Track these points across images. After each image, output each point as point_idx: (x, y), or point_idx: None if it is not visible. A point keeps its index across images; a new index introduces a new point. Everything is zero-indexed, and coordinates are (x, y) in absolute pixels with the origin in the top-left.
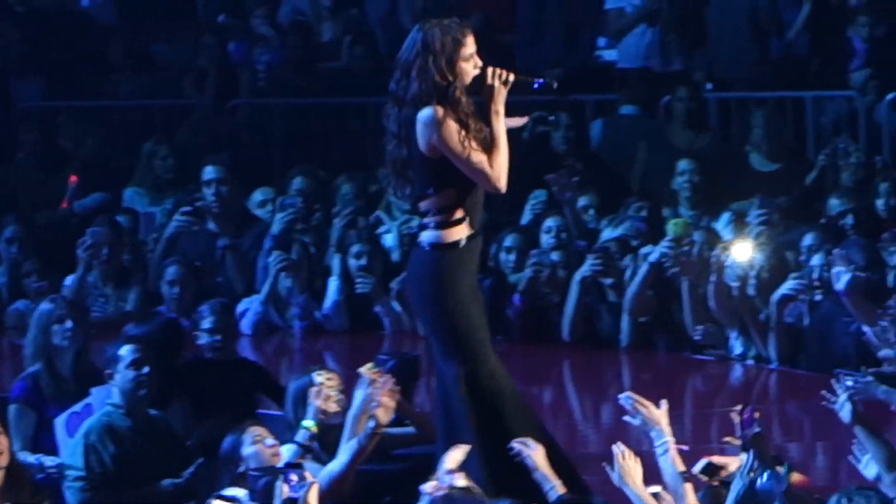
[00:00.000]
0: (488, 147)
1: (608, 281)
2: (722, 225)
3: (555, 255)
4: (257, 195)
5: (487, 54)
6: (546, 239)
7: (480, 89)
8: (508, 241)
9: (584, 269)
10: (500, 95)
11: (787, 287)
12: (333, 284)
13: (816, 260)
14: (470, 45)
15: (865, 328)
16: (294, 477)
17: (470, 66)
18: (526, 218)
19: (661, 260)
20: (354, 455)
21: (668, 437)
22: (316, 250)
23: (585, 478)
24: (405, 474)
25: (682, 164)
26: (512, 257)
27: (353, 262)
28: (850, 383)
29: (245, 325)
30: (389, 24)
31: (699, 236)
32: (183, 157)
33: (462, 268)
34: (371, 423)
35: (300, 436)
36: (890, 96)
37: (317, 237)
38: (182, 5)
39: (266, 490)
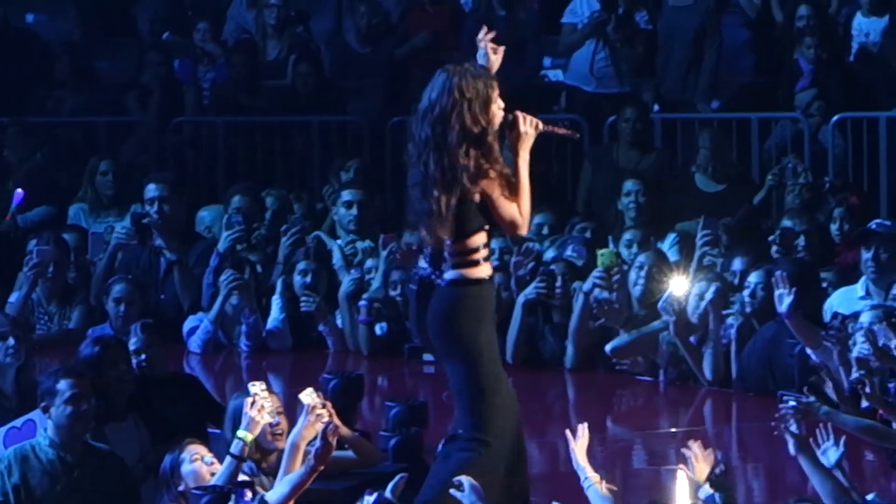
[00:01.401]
0: (513, 191)
1: (555, 302)
2: (667, 246)
3: (496, 278)
4: (204, 214)
5: (432, 72)
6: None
7: (504, 131)
8: None
9: (528, 292)
10: (529, 141)
11: (710, 297)
12: (276, 303)
13: (753, 278)
14: (496, 89)
15: (809, 351)
16: (249, 493)
17: (497, 110)
18: None
19: (592, 290)
20: (293, 489)
21: (590, 474)
22: (261, 269)
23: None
24: (350, 493)
25: (628, 185)
26: None
27: (297, 280)
28: (792, 403)
29: (194, 344)
30: (335, 42)
31: (647, 257)
32: (127, 175)
33: (487, 304)
34: (310, 462)
35: (235, 446)
36: (835, 118)
37: (261, 256)
38: (127, 23)
39: None
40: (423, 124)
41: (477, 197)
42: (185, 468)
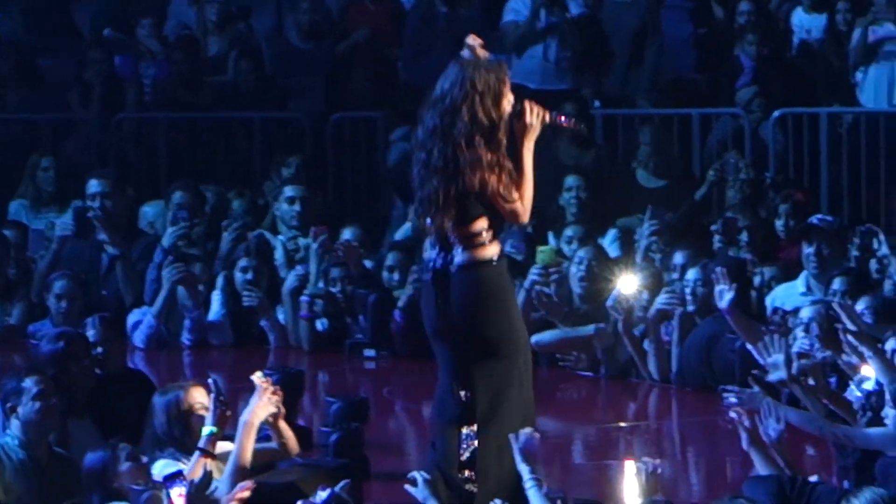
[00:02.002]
0: (516, 182)
1: None
2: (608, 241)
3: None
4: (147, 210)
5: (373, 69)
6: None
7: (511, 121)
8: (390, 259)
9: None
10: (535, 132)
11: (659, 302)
12: (217, 299)
13: (691, 274)
14: (508, 82)
15: (749, 346)
16: (179, 488)
17: (507, 104)
18: (405, 232)
19: (533, 286)
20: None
21: (533, 476)
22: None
23: None
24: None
25: (570, 180)
26: (395, 276)
27: (239, 277)
28: (733, 400)
29: (138, 339)
30: (276, 39)
31: (587, 252)
32: (69, 171)
33: (506, 280)
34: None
35: (203, 441)
36: (776, 114)
37: (201, 251)
38: (69, 20)
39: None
40: (433, 113)
41: (477, 187)
42: (123, 465)
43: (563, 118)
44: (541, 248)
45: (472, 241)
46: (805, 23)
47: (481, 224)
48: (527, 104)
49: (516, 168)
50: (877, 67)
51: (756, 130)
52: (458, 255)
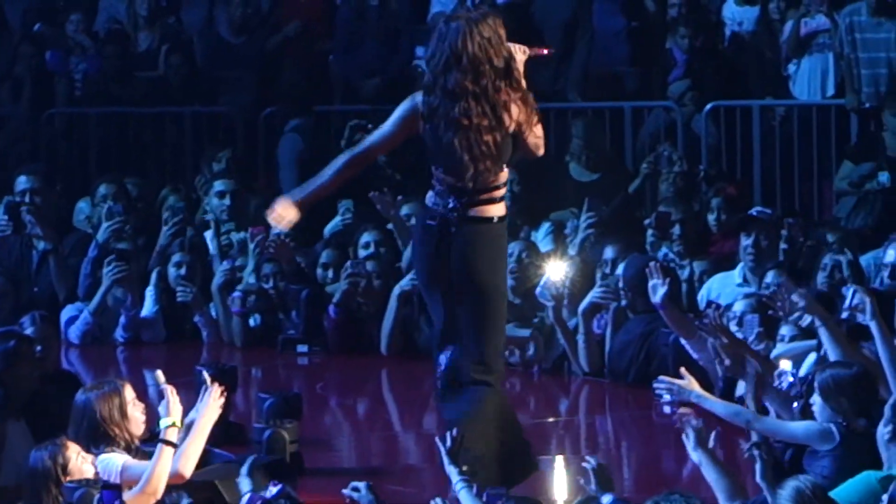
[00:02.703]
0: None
1: None
2: (542, 235)
3: (370, 265)
4: (83, 205)
5: (305, 63)
6: (363, 254)
7: None
8: (324, 257)
9: (404, 283)
10: (523, 68)
11: (592, 295)
12: (150, 295)
13: (622, 269)
14: (502, 24)
15: (683, 341)
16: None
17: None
18: (334, 227)
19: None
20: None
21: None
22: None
23: (402, 489)
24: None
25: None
26: (329, 273)
27: (172, 272)
28: (667, 398)
29: (73, 335)
30: (207, 33)
31: (517, 245)
32: None
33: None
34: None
35: (167, 433)
36: (708, 106)
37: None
38: None
39: (82, 501)
40: (451, 74)
41: (512, 127)
42: (74, 464)
43: (542, 50)
44: None
45: (492, 195)
46: (737, 15)
47: (505, 175)
48: (513, 45)
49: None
50: (809, 59)
51: (688, 123)
52: (475, 209)
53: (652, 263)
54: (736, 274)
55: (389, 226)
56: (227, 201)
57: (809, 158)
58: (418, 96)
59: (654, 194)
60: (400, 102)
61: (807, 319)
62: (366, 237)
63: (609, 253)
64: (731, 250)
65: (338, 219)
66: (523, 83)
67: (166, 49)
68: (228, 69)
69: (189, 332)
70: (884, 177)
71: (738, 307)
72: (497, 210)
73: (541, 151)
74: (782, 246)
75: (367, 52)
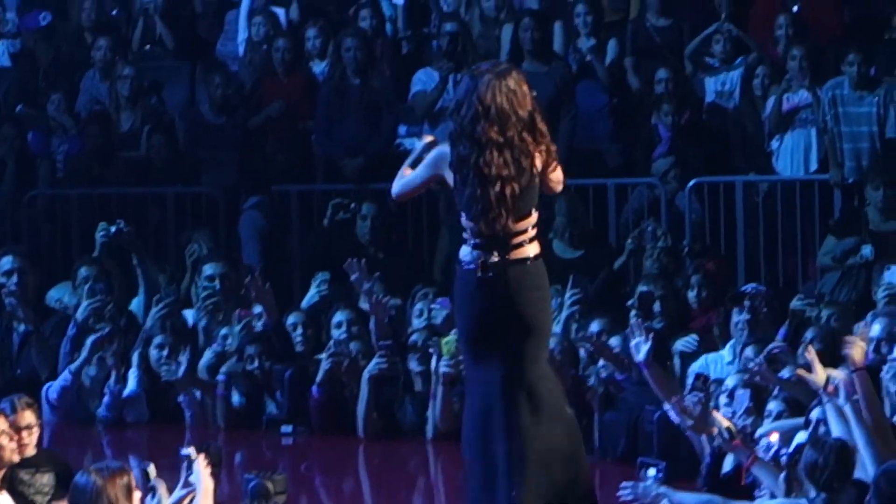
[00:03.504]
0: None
1: (418, 368)
2: None
3: (354, 345)
4: (52, 293)
5: (288, 141)
6: (337, 334)
7: None
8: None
9: (371, 368)
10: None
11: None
12: (133, 375)
13: (613, 342)
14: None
15: (667, 406)
16: None
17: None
18: (310, 300)
19: (449, 373)
20: None
21: None
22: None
23: None
24: None
25: None
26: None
27: (154, 353)
28: (651, 473)
29: (52, 392)
30: (188, 113)
31: None
32: None
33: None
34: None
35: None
36: (692, 182)
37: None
38: None
39: None
40: (479, 124)
41: (538, 178)
42: None
43: None
44: (445, 339)
45: (528, 237)
46: (720, 89)
47: (531, 220)
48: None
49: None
50: (792, 135)
51: (672, 200)
52: (516, 251)
53: (634, 321)
54: (726, 353)
55: (363, 304)
56: (216, 284)
57: (793, 233)
58: (445, 147)
59: (639, 270)
60: (383, 181)
61: None
62: (338, 316)
63: (595, 326)
64: (709, 324)
65: (314, 291)
66: (546, 134)
67: (148, 129)
68: (210, 149)
69: (172, 412)
70: (867, 250)
71: (730, 382)
72: (531, 250)
73: (559, 188)
74: (744, 316)
75: (348, 131)
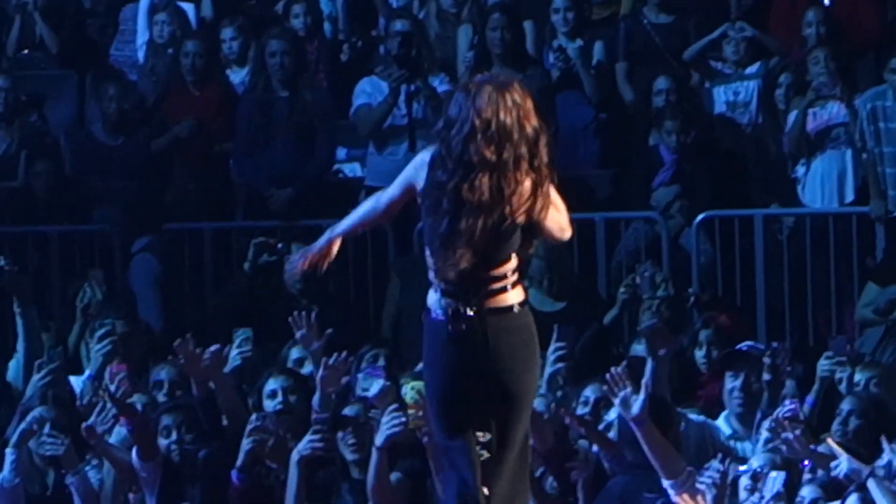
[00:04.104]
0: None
1: (352, 457)
2: None
3: (285, 420)
4: None
5: (200, 168)
6: (271, 405)
7: None
8: None
9: (302, 448)
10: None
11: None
12: (10, 456)
13: (613, 413)
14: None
15: (667, 484)
16: None
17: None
18: (231, 363)
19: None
20: None
21: None
22: None
23: None
24: None
25: None
26: None
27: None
28: None
29: None
30: (77, 133)
31: None
32: None
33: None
34: None
35: None
36: (700, 217)
37: None
38: None
39: None
40: (472, 143)
41: (522, 219)
42: None
43: None
44: (411, 383)
45: (505, 283)
46: (732, 99)
47: (510, 265)
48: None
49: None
50: (822, 158)
51: (676, 238)
52: (511, 293)
53: (613, 370)
54: (722, 424)
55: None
56: (110, 347)
57: (825, 280)
58: (426, 152)
59: (634, 326)
60: (317, 216)
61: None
62: (272, 384)
63: (590, 392)
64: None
65: (234, 353)
66: (545, 159)
67: (27, 154)
68: (104, 178)
69: (57, 497)
70: None
71: (757, 462)
72: (514, 296)
73: (566, 234)
74: (766, 377)
75: (275, 155)
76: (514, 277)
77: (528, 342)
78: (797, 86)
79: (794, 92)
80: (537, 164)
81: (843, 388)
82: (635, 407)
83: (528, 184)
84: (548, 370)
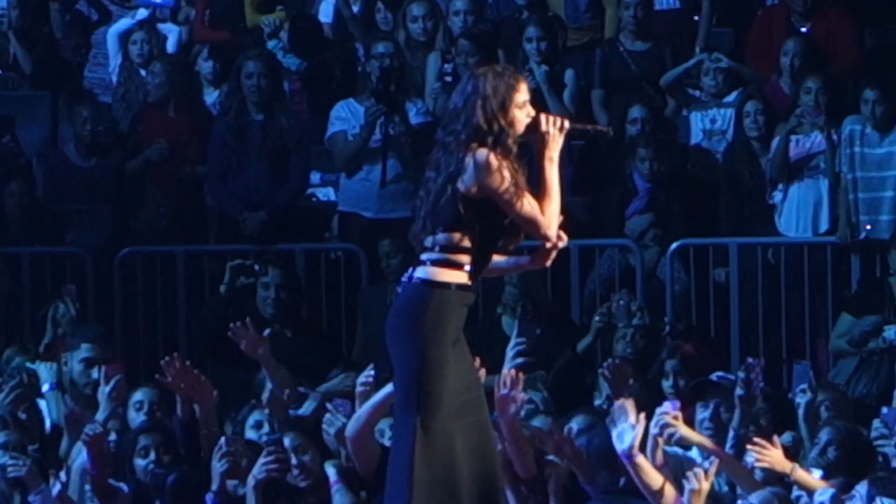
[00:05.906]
0: (535, 196)
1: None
2: None
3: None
4: None
5: (173, 191)
6: (255, 436)
7: (530, 136)
8: None
9: (257, 472)
10: (556, 143)
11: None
12: None
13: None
14: (524, 92)
15: None
16: None
17: (523, 115)
18: None
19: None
20: None
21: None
22: None
23: None
24: None
25: None
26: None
27: None
28: None
29: None
30: (49, 155)
31: None
32: None
33: (448, 312)
34: None
35: None
36: (674, 246)
37: None
38: None
39: None
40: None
41: (475, 190)
42: None
43: (587, 126)
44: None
45: (445, 256)
46: (709, 127)
47: (461, 240)
48: (542, 115)
49: (538, 184)
50: (799, 186)
51: (651, 267)
52: (419, 269)
53: (617, 404)
54: (696, 454)
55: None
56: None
57: (800, 310)
58: None
59: (608, 355)
60: (291, 241)
61: None
62: (257, 415)
63: (576, 424)
64: (688, 421)
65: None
66: (512, 157)
67: None
68: (77, 200)
69: None
70: (891, 332)
71: (755, 500)
72: (449, 275)
73: (544, 232)
74: (738, 392)
75: (249, 179)
76: (444, 255)
77: (414, 317)
78: (767, 111)
79: (766, 118)
80: (505, 153)
81: (801, 412)
82: (626, 442)
83: (498, 165)
84: (506, 366)
